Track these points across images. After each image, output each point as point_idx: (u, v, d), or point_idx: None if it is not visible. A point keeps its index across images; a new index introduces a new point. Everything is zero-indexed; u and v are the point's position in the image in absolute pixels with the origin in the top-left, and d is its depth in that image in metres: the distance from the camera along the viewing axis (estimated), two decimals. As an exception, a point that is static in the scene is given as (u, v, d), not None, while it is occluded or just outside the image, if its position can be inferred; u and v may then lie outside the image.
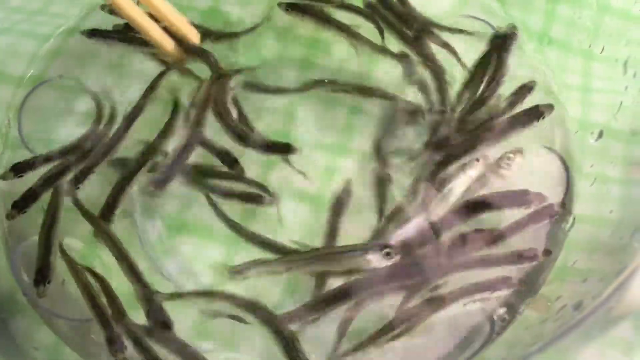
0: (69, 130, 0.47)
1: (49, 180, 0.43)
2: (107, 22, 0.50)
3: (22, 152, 0.46)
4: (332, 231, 0.44)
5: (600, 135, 0.46)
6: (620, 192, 0.44)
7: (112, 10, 0.48)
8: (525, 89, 0.46)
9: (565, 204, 0.44)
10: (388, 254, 0.40)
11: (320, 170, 0.46)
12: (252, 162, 0.45)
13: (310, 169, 0.46)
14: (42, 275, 0.40)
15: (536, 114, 0.44)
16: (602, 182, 0.44)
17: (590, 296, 0.35)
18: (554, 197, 0.43)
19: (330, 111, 0.49)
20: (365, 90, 0.49)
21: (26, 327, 0.41)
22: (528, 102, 0.46)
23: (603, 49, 0.48)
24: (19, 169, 0.43)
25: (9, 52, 0.50)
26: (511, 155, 0.43)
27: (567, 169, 0.45)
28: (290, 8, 0.50)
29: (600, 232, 0.42)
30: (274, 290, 0.42)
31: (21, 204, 0.42)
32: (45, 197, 0.43)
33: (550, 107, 0.44)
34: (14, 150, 0.46)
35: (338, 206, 0.44)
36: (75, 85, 0.49)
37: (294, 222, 0.44)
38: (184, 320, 0.41)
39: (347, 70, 0.50)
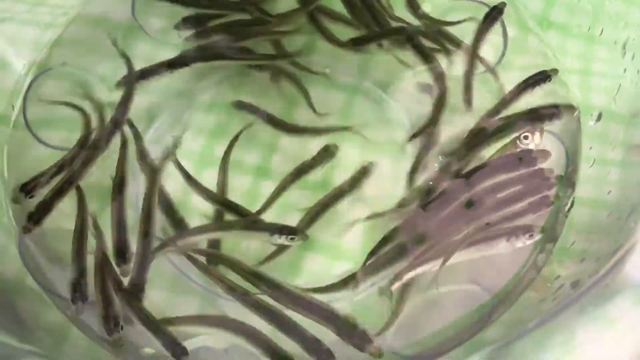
0: (72, 115, 0.47)
1: (61, 191, 0.43)
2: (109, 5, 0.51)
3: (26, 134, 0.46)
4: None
5: (599, 117, 0.46)
6: (618, 174, 0.44)
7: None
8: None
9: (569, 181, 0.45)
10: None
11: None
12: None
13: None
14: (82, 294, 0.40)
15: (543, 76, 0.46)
16: (601, 164, 0.44)
17: (587, 275, 0.36)
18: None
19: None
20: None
21: (34, 309, 0.41)
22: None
23: (602, 32, 0.48)
24: (29, 190, 0.43)
25: (12, 41, 0.50)
26: (528, 134, 0.44)
27: (566, 149, 0.45)
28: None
29: (599, 214, 0.42)
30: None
31: (36, 217, 0.42)
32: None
33: (555, 70, 0.47)
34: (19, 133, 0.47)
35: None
36: (77, 73, 0.49)
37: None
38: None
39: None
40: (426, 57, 0.49)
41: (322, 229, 0.44)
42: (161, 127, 0.48)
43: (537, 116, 0.45)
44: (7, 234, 0.43)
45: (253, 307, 0.39)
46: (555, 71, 0.47)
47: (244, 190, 0.46)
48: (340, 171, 0.46)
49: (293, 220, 0.43)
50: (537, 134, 0.43)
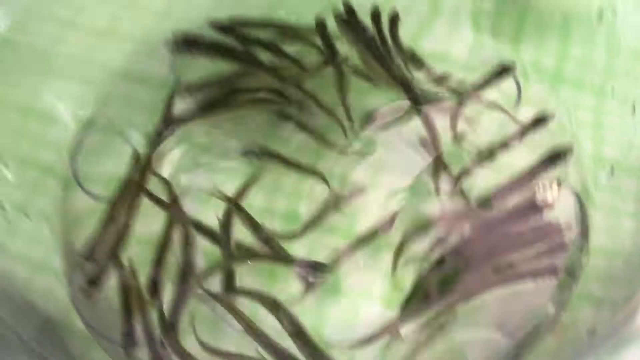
0: (117, 168, 0.50)
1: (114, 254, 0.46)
2: (151, 67, 0.55)
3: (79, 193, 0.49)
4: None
5: (612, 172, 0.48)
6: (632, 224, 0.45)
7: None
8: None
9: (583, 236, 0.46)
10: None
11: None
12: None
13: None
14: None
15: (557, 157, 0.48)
16: (615, 215, 0.46)
17: (603, 322, 0.37)
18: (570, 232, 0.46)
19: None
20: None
21: (83, 347, 0.43)
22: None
23: (613, 89, 0.51)
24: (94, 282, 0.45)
25: (59, 96, 0.53)
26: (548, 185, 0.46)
27: (581, 203, 0.47)
28: None
29: (614, 263, 0.44)
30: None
31: (97, 281, 0.45)
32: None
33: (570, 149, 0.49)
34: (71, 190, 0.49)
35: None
36: (122, 128, 0.52)
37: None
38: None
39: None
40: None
41: (349, 272, 0.46)
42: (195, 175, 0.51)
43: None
44: (56, 278, 0.45)
45: None
46: (570, 150, 0.49)
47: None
48: (363, 217, 0.48)
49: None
50: (556, 186, 0.46)
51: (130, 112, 0.53)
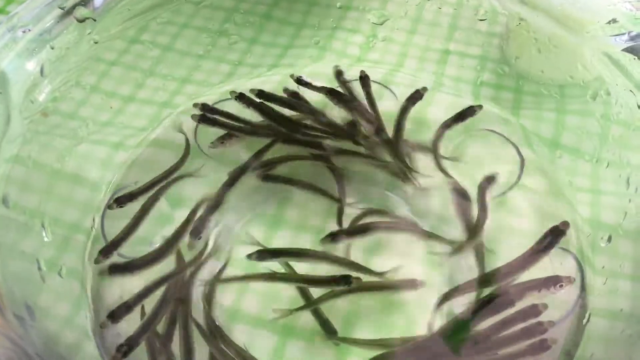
0: (146, 232, 0.53)
1: (144, 294, 0.48)
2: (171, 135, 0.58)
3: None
4: None
5: (610, 239, 0.50)
6: (630, 287, 0.47)
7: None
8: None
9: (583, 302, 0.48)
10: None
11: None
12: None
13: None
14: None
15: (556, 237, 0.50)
16: (613, 278, 0.48)
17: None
18: (571, 295, 0.48)
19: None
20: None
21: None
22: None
23: (608, 159, 0.53)
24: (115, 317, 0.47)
25: (86, 159, 0.56)
26: (563, 283, 0.48)
27: (581, 269, 0.50)
28: None
29: (614, 326, 0.45)
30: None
31: (117, 315, 0.46)
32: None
33: (566, 224, 0.50)
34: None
35: None
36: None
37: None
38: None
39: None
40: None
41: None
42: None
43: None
44: (82, 334, 0.47)
45: None
46: (566, 225, 0.51)
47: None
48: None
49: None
50: (569, 283, 0.47)
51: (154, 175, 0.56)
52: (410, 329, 0.48)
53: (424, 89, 0.60)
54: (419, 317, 0.49)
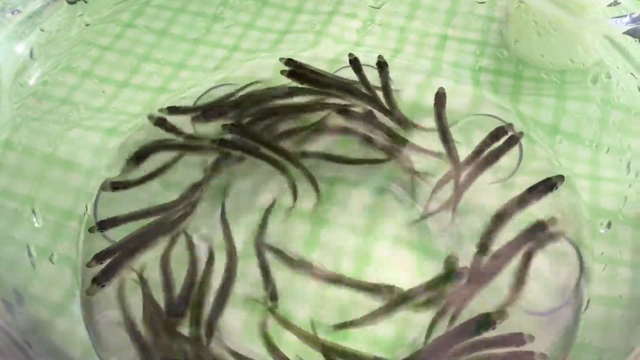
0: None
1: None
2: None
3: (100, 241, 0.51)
4: None
5: (609, 226, 0.49)
6: (629, 274, 0.47)
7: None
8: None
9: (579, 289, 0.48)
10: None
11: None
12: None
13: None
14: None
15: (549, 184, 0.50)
16: (613, 265, 0.48)
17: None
18: (570, 281, 0.48)
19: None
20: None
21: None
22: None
23: (608, 144, 0.53)
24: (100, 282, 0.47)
25: (79, 145, 0.55)
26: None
27: (580, 255, 0.49)
28: None
29: (613, 313, 0.45)
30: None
31: (103, 279, 0.47)
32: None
33: (561, 177, 0.50)
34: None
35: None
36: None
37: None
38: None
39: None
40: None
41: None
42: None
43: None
44: (75, 322, 0.46)
45: None
46: (561, 178, 0.51)
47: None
48: (370, 267, 0.50)
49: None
50: None
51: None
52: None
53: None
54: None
